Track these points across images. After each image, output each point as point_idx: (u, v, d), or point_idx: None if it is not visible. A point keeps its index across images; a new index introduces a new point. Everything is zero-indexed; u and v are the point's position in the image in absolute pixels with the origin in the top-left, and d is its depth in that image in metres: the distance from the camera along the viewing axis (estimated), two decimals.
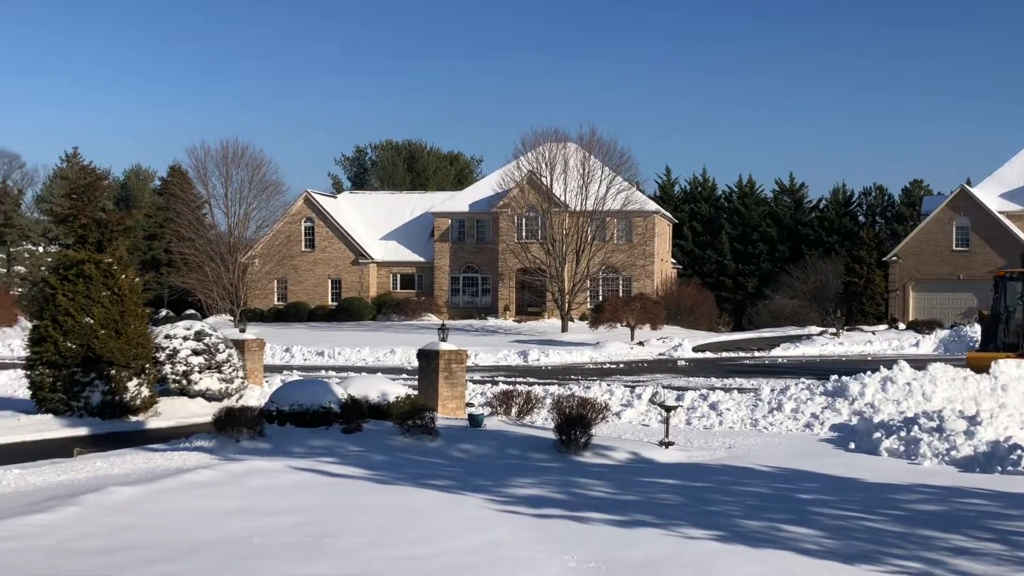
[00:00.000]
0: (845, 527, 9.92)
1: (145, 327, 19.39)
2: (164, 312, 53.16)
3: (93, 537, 8.93)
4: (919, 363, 27.19)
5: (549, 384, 25.48)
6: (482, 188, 64.35)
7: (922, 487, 13.04)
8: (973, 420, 16.50)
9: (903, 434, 16.67)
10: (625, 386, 23.84)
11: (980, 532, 9.81)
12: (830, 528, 9.80)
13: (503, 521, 9.88)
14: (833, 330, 47.09)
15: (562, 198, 54.52)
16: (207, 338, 21.06)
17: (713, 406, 21.05)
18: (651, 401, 21.43)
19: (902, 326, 52.00)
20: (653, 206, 62.39)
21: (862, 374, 22.09)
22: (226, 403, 18.85)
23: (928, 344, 42.45)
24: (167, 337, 20.78)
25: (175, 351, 20.57)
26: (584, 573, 7.90)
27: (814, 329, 50.45)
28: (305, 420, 16.46)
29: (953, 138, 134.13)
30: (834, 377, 22.75)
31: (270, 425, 16.10)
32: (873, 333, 47.04)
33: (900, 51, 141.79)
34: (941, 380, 20.88)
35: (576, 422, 15.98)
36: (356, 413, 16.84)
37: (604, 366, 34.38)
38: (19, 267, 62.35)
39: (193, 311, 54.76)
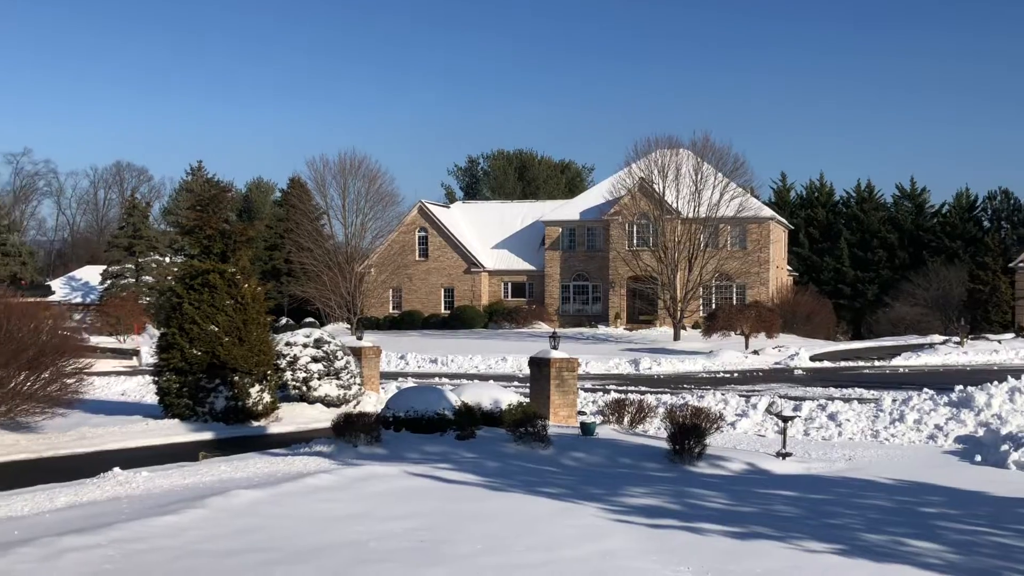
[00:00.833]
0: (972, 542, 9.54)
1: (266, 335, 19.92)
2: (284, 320, 54.52)
3: (218, 539, 9.20)
4: None
5: (661, 393, 25.23)
6: (593, 196, 64.22)
7: None
8: None
9: None
10: (740, 395, 23.42)
11: None
12: (956, 543, 9.44)
13: (616, 530, 9.82)
14: (957, 339, 45.36)
15: (674, 205, 54.00)
16: (326, 346, 21.52)
17: (832, 416, 20.52)
18: (767, 411, 21.01)
19: None
20: (768, 212, 61.25)
21: (988, 384, 21.22)
22: (344, 409, 19.22)
23: None
24: (288, 344, 21.31)
25: (295, 358, 21.08)
26: None
27: (936, 338, 48.67)
28: (420, 426, 16.66)
29: None
30: (959, 387, 21.93)
31: (386, 431, 16.35)
32: (999, 342, 45.11)
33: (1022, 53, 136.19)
34: None
35: (690, 432, 15.76)
36: (470, 420, 16.97)
37: (718, 375, 33.87)
38: (147, 277, 64.85)
39: (312, 319, 56.01)
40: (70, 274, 74.59)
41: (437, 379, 31.09)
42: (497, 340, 49.33)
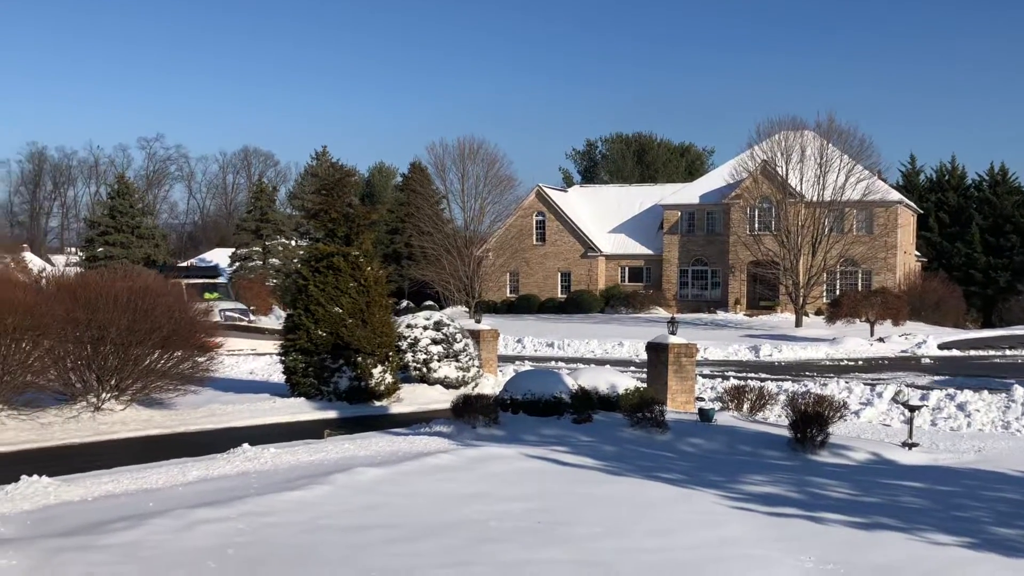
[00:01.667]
0: None
1: (388, 317, 20.30)
2: (404, 303, 55.65)
3: (343, 514, 9.47)
4: None
5: (782, 380, 24.78)
6: (713, 179, 63.28)
7: None
8: None
9: None
10: (864, 384, 22.85)
11: None
12: None
13: (735, 518, 9.72)
14: None
15: (798, 188, 52.79)
16: (445, 328, 21.84)
17: (961, 407, 19.86)
18: (894, 400, 20.45)
19: None
20: (896, 196, 59.34)
21: None
22: (462, 391, 19.47)
23: None
24: (408, 327, 21.70)
25: (416, 340, 21.45)
26: (821, 574, 7.65)
27: None
28: (537, 409, 16.76)
29: None
30: None
31: (503, 413, 16.52)
32: None
33: None
34: None
35: (812, 420, 15.45)
36: (586, 404, 16.99)
37: (841, 363, 33.08)
38: (273, 259, 66.81)
39: (431, 302, 56.96)
40: (200, 256, 77.47)
41: (553, 363, 31.22)
42: (613, 325, 49.19)
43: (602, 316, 57.73)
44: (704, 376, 25.06)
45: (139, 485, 11.06)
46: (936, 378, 26.56)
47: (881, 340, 40.27)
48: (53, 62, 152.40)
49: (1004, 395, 20.48)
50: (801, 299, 50.60)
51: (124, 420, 16.51)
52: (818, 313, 51.71)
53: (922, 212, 69.38)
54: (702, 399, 20.19)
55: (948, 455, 16.11)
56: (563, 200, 67.55)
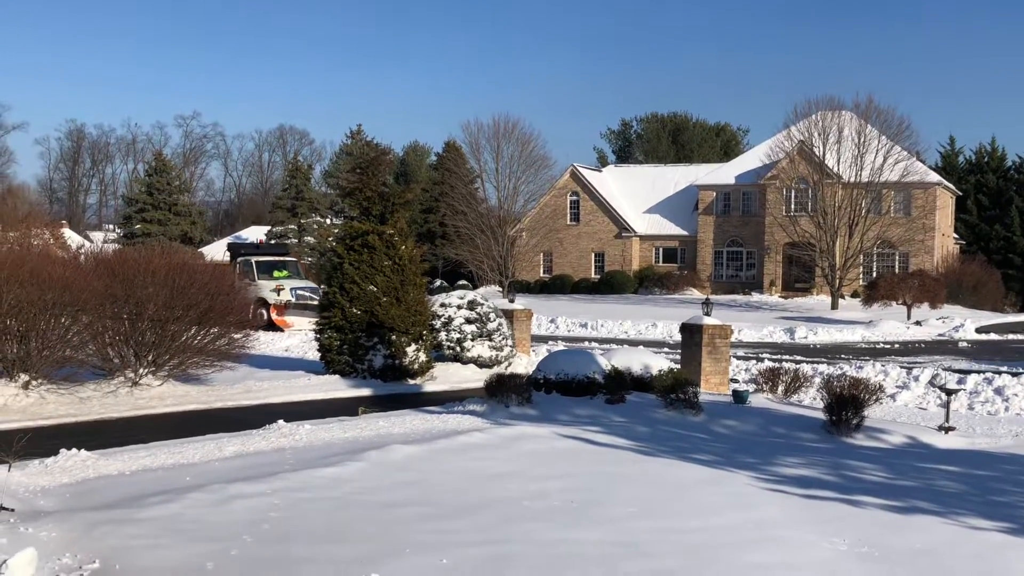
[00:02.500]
0: None
1: (423, 296, 20.35)
2: (438, 282, 55.76)
3: (377, 491, 9.51)
4: None
5: (817, 363, 24.59)
6: (749, 160, 62.75)
7: None
8: None
9: None
10: (900, 367, 22.63)
11: None
12: None
13: (769, 500, 9.66)
14: None
15: (835, 169, 52.23)
16: (479, 307, 21.86)
17: (998, 391, 19.62)
18: (931, 383, 20.24)
19: None
20: (934, 177, 58.56)
21: None
22: (496, 370, 19.51)
23: None
24: (442, 306, 21.74)
25: (450, 319, 21.50)
26: (857, 558, 7.59)
27: None
28: (570, 389, 16.76)
29: None
30: None
31: (537, 392, 16.52)
32: None
33: None
34: None
35: (847, 402, 15.33)
36: (619, 384, 16.96)
37: (877, 346, 32.77)
38: (309, 237, 67.15)
39: (465, 282, 57.08)
40: (236, 234, 78.03)
41: (587, 343, 31.17)
42: (647, 306, 49.02)
43: (636, 297, 57.56)
44: (738, 358, 24.92)
45: (176, 460, 11.18)
46: (974, 362, 26.25)
47: (918, 323, 39.85)
48: (91, 40, 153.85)
49: None
50: (837, 281, 50.16)
51: (161, 395, 16.71)
52: (854, 296, 51.25)
53: (961, 194, 68.44)
54: (736, 381, 20.08)
55: (985, 439, 15.93)
56: (597, 180, 67.28)
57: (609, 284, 60.99)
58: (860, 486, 10.52)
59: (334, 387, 18.62)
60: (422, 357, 19.74)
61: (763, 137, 63.80)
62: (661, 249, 64.67)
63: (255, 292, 33.34)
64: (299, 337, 29.53)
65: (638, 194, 66.82)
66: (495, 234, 57.70)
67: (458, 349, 21.37)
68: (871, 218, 51.66)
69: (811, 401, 18.37)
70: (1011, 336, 37.45)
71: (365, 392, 18.35)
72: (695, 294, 56.43)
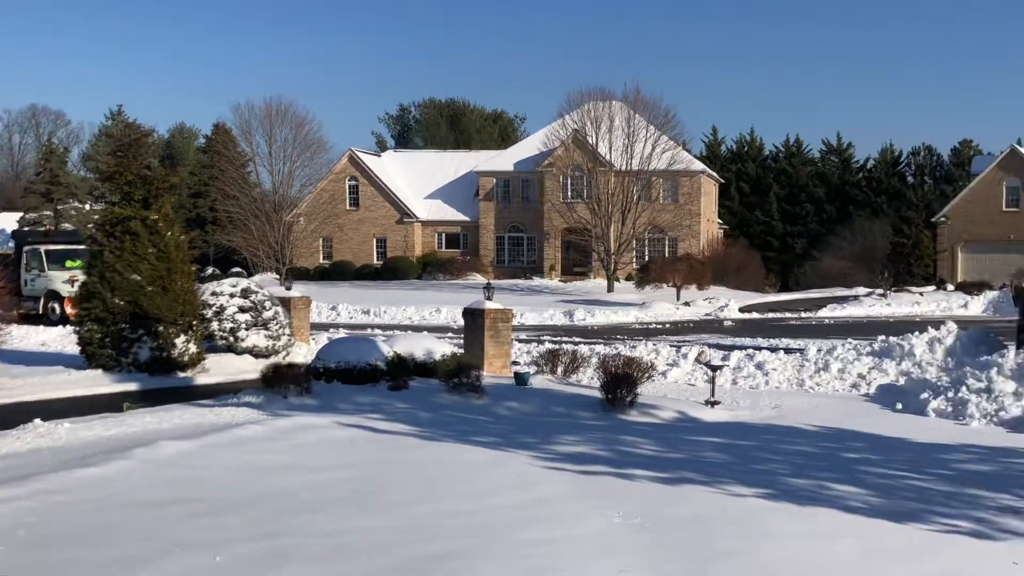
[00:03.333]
0: (892, 486, 9.84)
1: (192, 284, 19.59)
2: (210, 270, 53.79)
3: (143, 490, 9.10)
4: (967, 325, 26.73)
5: (595, 344, 25.48)
6: (527, 147, 64.11)
7: (970, 447, 12.89)
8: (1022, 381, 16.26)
9: (951, 395, 16.46)
10: (671, 346, 23.75)
11: None
12: (877, 487, 9.73)
13: (549, 477, 9.93)
14: (880, 291, 46.58)
15: (607, 157, 54.16)
16: (253, 296, 21.27)
17: (759, 366, 20.92)
18: (697, 360, 21.34)
19: (950, 287, 51.37)
20: (699, 166, 61.82)
21: (910, 335, 21.81)
22: (273, 360, 19.05)
23: (977, 305, 42.13)
24: (214, 294, 21.01)
25: (222, 308, 20.80)
26: (630, 529, 7.92)
27: (861, 290, 49.95)
28: (352, 377, 16.60)
29: (1004, 96, 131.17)
30: (881, 338, 22.51)
31: (317, 382, 16.26)
32: (921, 294, 46.50)
33: (947, 10, 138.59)
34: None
35: (622, 381, 15.95)
36: (402, 371, 16.95)
37: (650, 326, 34.30)
38: (66, 224, 63.26)
39: (239, 269, 55.32)
40: None
41: (369, 330, 30.99)
42: (431, 291, 49.26)
43: (419, 283, 57.72)
44: (520, 341, 25.46)
45: None
46: (737, 340, 27.95)
47: (687, 304, 42.02)
48: None
49: (799, 355, 21.71)
50: (612, 265, 52.10)
51: None
52: (629, 279, 53.41)
53: (723, 182, 72.55)
54: (518, 363, 20.48)
55: (748, 412, 16.97)
56: (377, 165, 66.89)
57: (392, 270, 60.84)
58: (634, 460, 10.98)
59: (97, 382, 17.65)
60: (192, 348, 19.01)
61: (540, 125, 65.35)
62: (444, 235, 65.11)
63: (45, 284, 31.05)
64: (58, 330, 27.81)
65: (419, 180, 66.95)
66: (270, 219, 56.29)
67: (232, 339, 20.72)
68: (642, 204, 53.95)
69: (589, 381, 19.00)
70: (771, 314, 40.15)
71: (131, 387, 17.49)
72: (478, 279, 57.20)
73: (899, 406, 16.94)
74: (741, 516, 8.39)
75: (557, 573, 6.76)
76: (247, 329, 20.83)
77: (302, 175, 59.89)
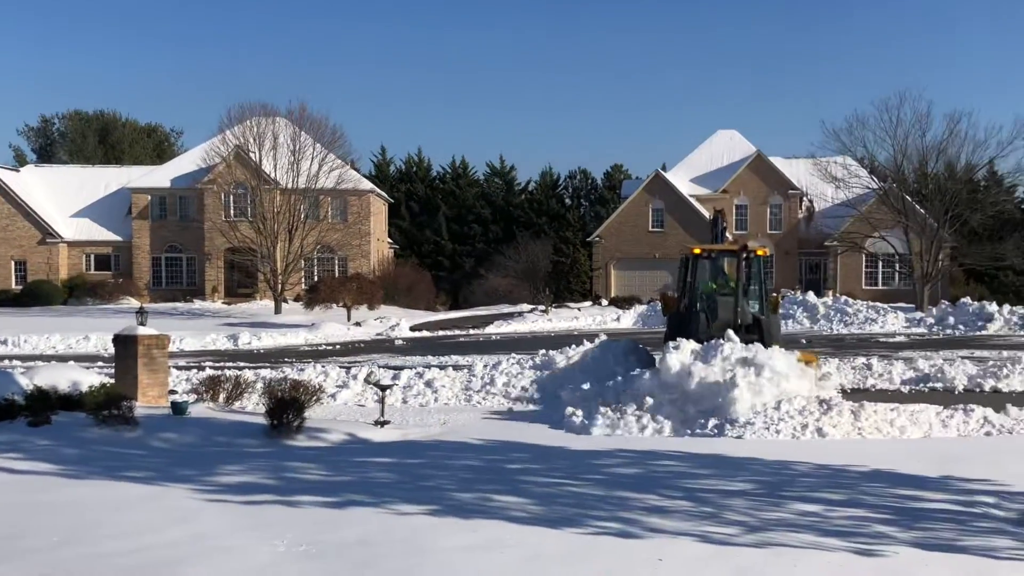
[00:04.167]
0: (551, 493, 10.42)
1: None
2: None
3: None
4: (619, 336, 28.85)
5: (261, 368, 24.93)
6: (185, 163, 61.71)
7: (621, 452, 13.92)
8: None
9: (604, 404, 17.68)
10: (341, 367, 23.74)
11: (672, 491, 10.63)
12: (538, 495, 10.27)
13: (209, 510, 9.61)
14: (543, 307, 49.21)
15: (272, 175, 53.29)
16: None
17: (429, 383, 21.40)
18: (366, 381, 21.47)
19: (605, 302, 55.21)
20: (368, 185, 62.35)
21: (567, 348, 23.22)
22: None
23: (628, 318, 45.69)
24: None
25: None
26: (295, 557, 7.83)
27: (525, 307, 52.46)
28: None
29: (651, 125, 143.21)
30: (542, 351, 23.80)
31: None
32: (579, 309, 49.72)
33: (599, 45, 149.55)
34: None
35: (288, 405, 15.75)
36: (44, 405, 15.73)
37: (320, 348, 34.06)
38: None
39: None
40: None
41: (7, 362, 28.46)
42: (79, 317, 46.06)
43: (66, 308, 53.75)
44: (179, 368, 24.41)
45: None
46: (408, 358, 28.42)
47: (358, 324, 42.17)
48: None
49: (467, 371, 22.45)
50: (280, 286, 51.26)
51: None
52: (297, 299, 52.76)
53: (393, 201, 73.60)
54: (175, 392, 19.62)
55: (417, 430, 17.30)
56: (15, 180, 61.67)
57: (34, 295, 56.17)
58: (300, 486, 10.87)
59: None
60: None
61: (198, 140, 63.36)
62: (93, 256, 61.10)
63: None
64: None
65: (65, 197, 62.44)
66: None
67: None
68: (310, 223, 53.54)
69: (254, 407, 18.58)
70: (441, 332, 41.17)
71: None
72: (133, 303, 54.11)
73: (564, 415, 17.91)
74: (407, 534, 8.54)
75: None
76: None
77: None
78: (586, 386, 19.03)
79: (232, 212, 57.48)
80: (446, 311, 60.32)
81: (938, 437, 15.51)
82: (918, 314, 41.57)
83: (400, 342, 35.95)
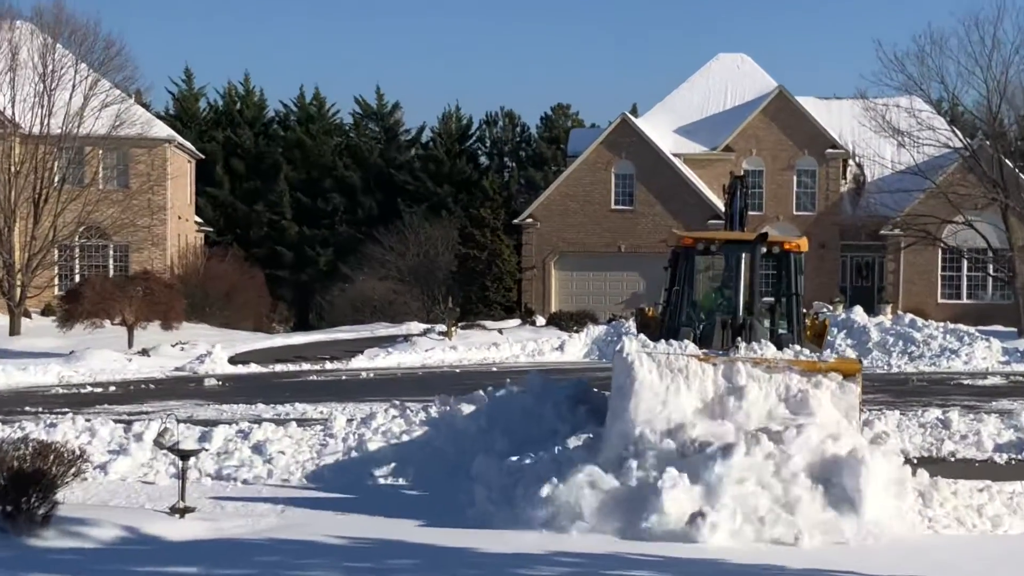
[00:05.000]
0: None
1: None
2: None
3: None
4: (563, 374, 28.86)
5: None
6: None
7: (561, 558, 13.86)
8: None
9: (535, 482, 17.61)
10: (116, 421, 23.36)
11: None
12: None
13: None
14: (443, 327, 49.03)
15: (10, 112, 52.37)
16: None
17: (258, 448, 21.14)
18: (157, 444, 21.12)
19: (541, 320, 55.20)
20: (165, 131, 61.78)
21: (480, 392, 23.15)
22: None
23: (577, 346, 45.68)
24: None
25: None
26: None
27: (416, 326, 52.29)
28: None
29: (616, 45, 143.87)
30: (439, 398, 23.69)
31: None
32: (500, 332, 49.67)
33: None
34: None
35: (29, 483, 15.43)
36: None
37: (84, 390, 33.52)
38: None
39: None
40: None
41: None
42: None
43: None
44: None
45: None
46: (225, 408, 28.07)
47: (145, 353, 41.59)
48: None
49: (321, 428, 22.11)
50: (19, 290, 50.32)
51: None
52: (48, 312, 51.87)
53: (204, 157, 72.65)
54: None
55: (240, 521, 17.03)
56: None
57: None
58: None
59: None
60: None
61: None
62: None
63: None
64: None
65: None
66: None
67: None
68: (69, 191, 52.68)
69: None
70: (280, 367, 40.79)
71: None
72: None
73: (474, 498, 17.80)
74: None
75: None
76: None
77: None
78: (513, 457, 18.96)
79: None
80: (289, 333, 59.88)
81: None
82: (1022, 343, 42.27)
83: (214, 382, 35.51)
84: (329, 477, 20.26)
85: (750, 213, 59.73)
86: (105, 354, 40.12)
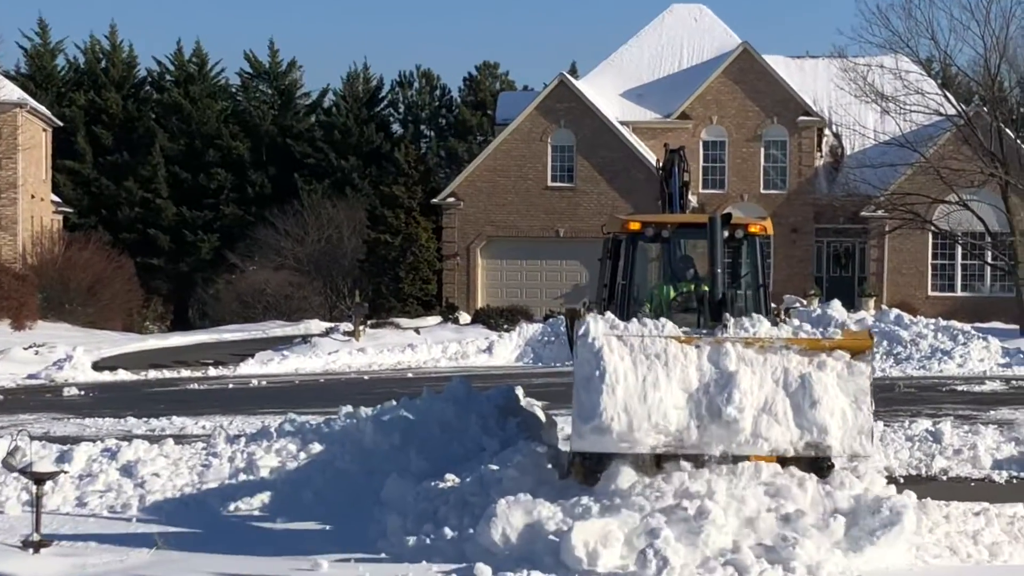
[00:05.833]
0: None
1: None
2: None
3: None
4: (490, 381, 28.93)
5: None
6: None
7: None
8: None
9: (451, 512, 17.71)
10: None
11: None
12: None
13: None
14: (349, 326, 49.01)
15: None
16: None
17: (128, 470, 21.06)
18: (6, 465, 20.98)
19: (465, 318, 55.35)
20: (16, 93, 61.42)
21: (392, 402, 23.15)
22: None
23: (507, 348, 45.83)
24: None
25: None
26: None
27: (316, 325, 52.33)
28: None
29: (548, 1, 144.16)
30: (346, 410, 23.66)
31: None
32: (417, 331, 49.72)
33: None
34: None
35: None
36: None
37: None
38: None
39: None
40: None
41: None
42: None
43: None
44: None
45: None
46: (88, 421, 27.94)
47: None
48: None
49: (202, 446, 22.08)
50: None
51: None
52: None
53: (63, 124, 72.01)
54: None
55: (107, 556, 16.94)
56: None
57: None
58: None
59: None
60: None
61: None
62: None
63: None
64: None
65: None
66: None
67: None
68: None
69: None
70: (155, 374, 40.72)
71: None
72: None
73: (386, 528, 17.78)
74: None
75: None
76: None
77: None
78: (432, 480, 18.99)
79: None
80: (165, 333, 59.69)
81: None
82: None
83: (75, 391, 35.36)
84: (212, 504, 20.19)
85: (708, 191, 60.57)
86: None
